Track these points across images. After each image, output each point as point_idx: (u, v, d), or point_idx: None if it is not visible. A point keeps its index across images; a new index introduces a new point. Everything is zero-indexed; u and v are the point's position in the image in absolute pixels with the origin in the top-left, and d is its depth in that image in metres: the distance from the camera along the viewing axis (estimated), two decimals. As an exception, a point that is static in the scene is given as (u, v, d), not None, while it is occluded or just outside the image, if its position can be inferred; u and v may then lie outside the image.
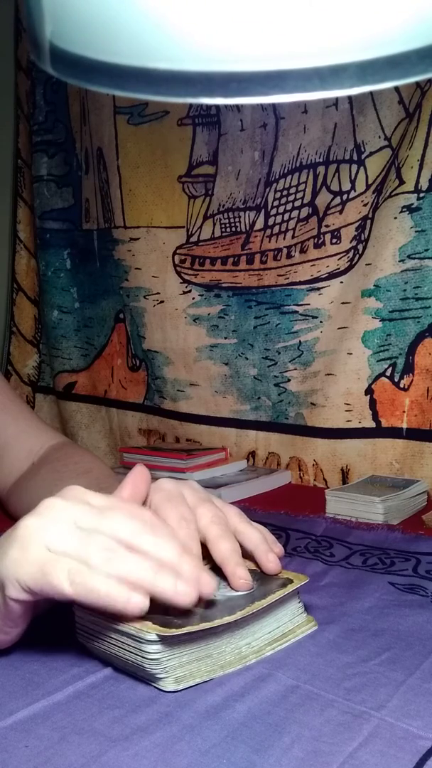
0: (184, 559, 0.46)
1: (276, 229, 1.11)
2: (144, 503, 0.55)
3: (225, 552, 0.53)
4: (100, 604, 0.44)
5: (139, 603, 0.44)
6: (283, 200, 1.10)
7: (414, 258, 0.97)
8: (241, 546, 0.56)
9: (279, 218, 1.10)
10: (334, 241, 1.05)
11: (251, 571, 0.55)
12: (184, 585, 0.45)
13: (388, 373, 1.02)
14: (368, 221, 1.02)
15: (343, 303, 1.05)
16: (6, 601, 0.46)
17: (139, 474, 0.55)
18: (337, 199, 1.04)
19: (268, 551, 0.55)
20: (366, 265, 1.02)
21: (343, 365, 1.04)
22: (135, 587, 0.44)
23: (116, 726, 0.43)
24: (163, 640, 0.46)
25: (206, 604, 0.50)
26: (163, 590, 0.44)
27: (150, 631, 0.46)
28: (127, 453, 1.13)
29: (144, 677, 0.47)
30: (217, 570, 0.55)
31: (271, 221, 1.11)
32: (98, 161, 1.28)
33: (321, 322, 1.07)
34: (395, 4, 0.32)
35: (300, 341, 1.10)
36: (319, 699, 0.45)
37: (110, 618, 0.47)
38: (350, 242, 1.04)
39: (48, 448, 0.86)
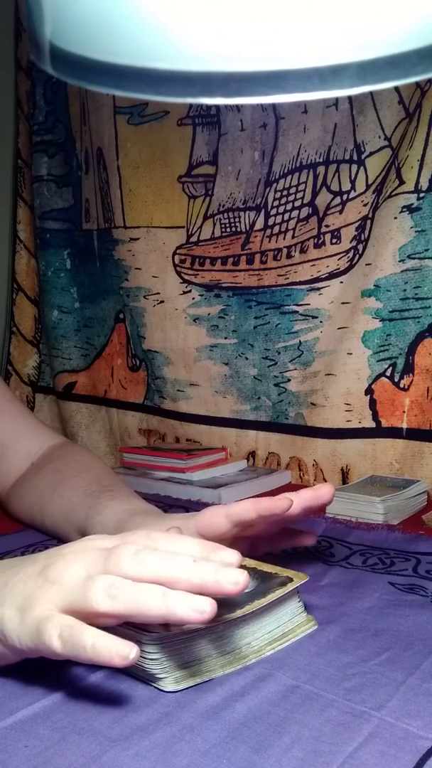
0: (199, 566, 0.44)
1: (276, 229, 1.11)
2: None
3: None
4: (87, 660, 0.42)
5: (123, 654, 0.41)
6: (283, 200, 1.10)
7: (414, 258, 0.97)
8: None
9: (279, 218, 1.10)
10: (334, 241, 1.05)
11: (251, 570, 0.55)
12: (196, 600, 0.42)
13: (388, 373, 1.02)
14: (368, 221, 1.02)
15: (343, 303, 1.05)
16: (3, 652, 0.46)
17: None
18: (337, 199, 1.04)
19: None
20: (366, 265, 1.02)
21: (343, 365, 1.04)
22: (139, 619, 0.43)
23: (116, 726, 0.43)
24: (163, 640, 0.46)
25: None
26: (172, 612, 0.42)
27: (150, 631, 0.46)
28: (127, 453, 1.13)
29: (144, 677, 0.47)
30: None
31: (271, 221, 1.11)
32: (98, 161, 1.28)
33: (321, 322, 1.07)
34: (395, 4, 0.32)
35: (300, 341, 1.10)
36: (319, 699, 0.45)
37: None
38: (350, 242, 1.04)
39: (47, 448, 0.86)
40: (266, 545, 0.66)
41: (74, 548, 0.47)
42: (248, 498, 0.62)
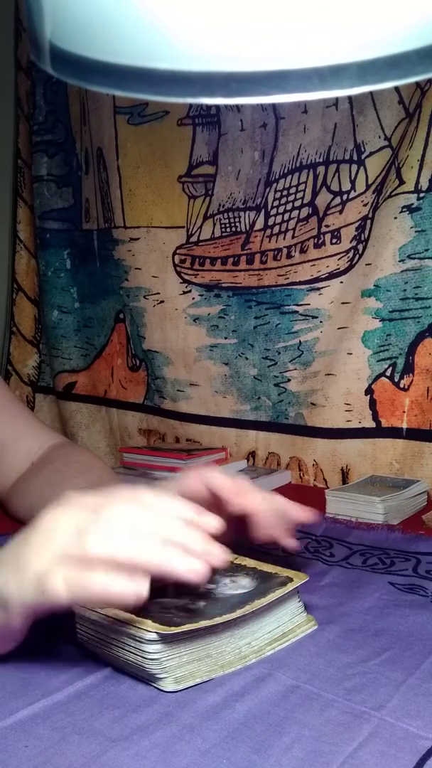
0: (190, 533, 0.46)
1: (276, 229, 1.11)
2: None
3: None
4: (99, 602, 0.43)
5: (134, 588, 0.43)
6: (283, 200, 1.10)
7: (414, 258, 0.97)
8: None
9: (279, 218, 1.10)
10: (334, 241, 1.05)
11: (251, 569, 0.56)
12: (194, 560, 0.44)
13: (388, 373, 1.02)
14: (368, 221, 1.02)
15: (343, 303, 1.05)
16: (4, 620, 0.46)
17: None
18: (337, 199, 1.04)
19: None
20: (366, 265, 1.02)
21: (343, 365, 1.04)
22: (138, 571, 0.43)
23: (116, 726, 0.43)
24: (163, 639, 0.46)
25: (207, 602, 0.50)
26: (172, 568, 0.44)
27: (150, 630, 0.46)
28: (127, 453, 1.13)
29: (144, 677, 0.47)
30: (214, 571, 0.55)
31: (271, 221, 1.11)
32: (98, 161, 1.28)
33: (321, 322, 1.07)
34: (395, 4, 0.32)
35: (300, 341, 1.10)
36: (319, 699, 0.45)
37: (110, 618, 0.47)
38: (350, 242, 1.04)
39: (47, 448, 0.86)
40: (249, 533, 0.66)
41: (58, 506, 0.48)
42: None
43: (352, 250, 1.04)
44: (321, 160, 1.05)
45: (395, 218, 0.97)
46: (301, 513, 0.61)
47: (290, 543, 0.62)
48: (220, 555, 0.46)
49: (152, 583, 0.44)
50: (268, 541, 0.64)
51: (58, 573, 0.44)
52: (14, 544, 0.48)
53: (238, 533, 0.61)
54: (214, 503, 0.60)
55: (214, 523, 0.48)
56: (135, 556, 0.44)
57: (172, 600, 0.50)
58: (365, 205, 1.02)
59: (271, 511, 0.59)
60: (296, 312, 1.09)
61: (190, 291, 1.20)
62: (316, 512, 0.62)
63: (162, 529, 0.45)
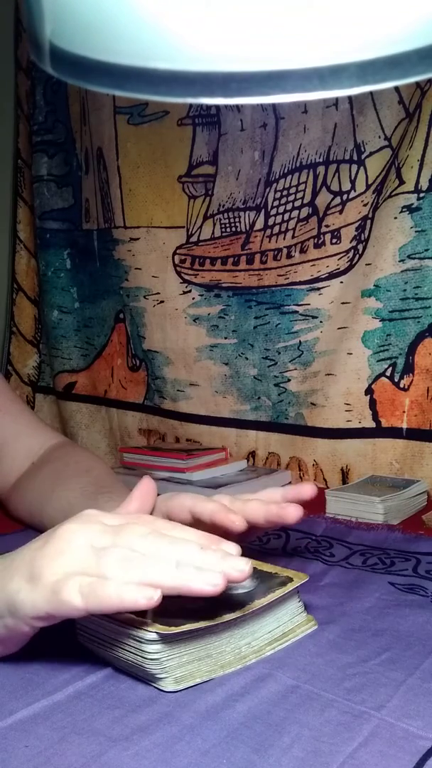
0: (207, 554, 0.45)
1: (276, 229, 1.11)
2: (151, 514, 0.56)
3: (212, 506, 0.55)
4: (113, 608, 0.43)
5: (149, 594, 0.43)
6: (283, 200, 1.10)
7: (414, 258, 0.97)
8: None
9: (279, 218, 1.10)
10: (334, 241, 1.05)
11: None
12: (210, 573, 0.44)
13: (388, 373, 1.02)
14: (368, 221, 1.02)
15: (343, 303, 1.05)
16: (14, 626, 0.46)
17: (146, 485, 0.55)
18: (337, 199, 1.04)
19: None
20: (366, 265, 1.02)
21: (343, 365, 1.04)
22: (154, 587, 0.43)
23: (116, 726, 0.43)
24: (164, 639, 0.46)
25: (206, 602, 0.50)
26: (186, 582, 0.43)
27: (150, 630, 0.46)
28: (127, 453, 1.13)
29: (144, 677, 0.47)
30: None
31: (271, 221, 1.11)
32: (98, 161, 1.28)
33: (321, 322, 1.07)
34: (395, 4, 0.32)
35: (300, 341, 1.10)
36: (319, 699, 0.45)
37: (110, 618, 0.47)
38: (350, 242, 1.04)
39: (48, 447, 0.86)
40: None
41: (76, 521, 0.48)
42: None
43: (352, 250, 1.04)
44: (321, 160, 1.05)
45: (395, 218, 0.97)
46: (294, 492, 0.60)
47: (291, 513, 0.59)
48: (242, 567, 0.45)
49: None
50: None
51: (73, 582, 0.44)
52: (28, 550, 0.47)
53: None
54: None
55: (233, 548, 0.47)
56: (149, 578, 0.44)
57: (172, 600, 0.50)
58: (365, 205, 1.02)
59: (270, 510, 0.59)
60: (296, 312, 1.09)
61: (190, 291, 1.20)
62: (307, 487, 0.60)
63: (178, 554, 0.45)
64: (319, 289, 1.07)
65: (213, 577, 0.43)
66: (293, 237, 1.09)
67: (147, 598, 0.42)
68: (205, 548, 0.46)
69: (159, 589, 0.43)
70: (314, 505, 0.90)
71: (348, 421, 1.05)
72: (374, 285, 1.00)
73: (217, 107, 1.13)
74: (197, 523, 0.59)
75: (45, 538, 0.48)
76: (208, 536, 0.49)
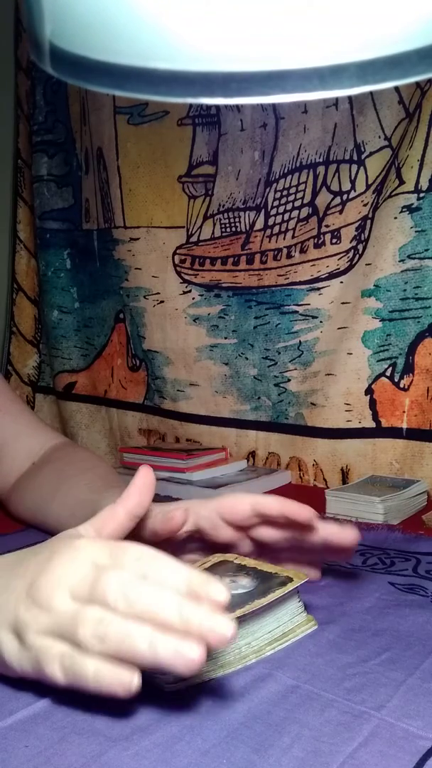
0: (191, 610, 0.42)
1: (276, 229, 1.11)
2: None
3: None
4: (93, 691, 0.42)
5: (126, 686, 0.41)
6: (283, 200, 1.10)
7: (414, 258, 0.97)
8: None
9: (279, 218, 1.10)
10: (334, 241, 1.05)
11: (251, 569, 0.55)
12: (188, 646, 0.40)
13: (388, 373, 1.02)
14: (368, 221, 1.02)
15: (343, 303, 1.05)
16: (4, 672, 0.46)
17: (143, 478, 0.54)
18: (337, 199, 1.04)
19: None
20: (366, 265, 1.02)
21: (343, 365, 1.04)
22: (129, 663, 0.41)
23: (116, 726, 0.43)
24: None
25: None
26: (163, 661, 0.41)
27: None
28: (127, 453, 1.13)
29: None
30: (215, 571, 0.55)
31: (271, 221, 1.11)
32: (98, 161, 1.28)
33: (321, 322, 1.07)
34: (395, 4, 0.32)
35: (300, 341, 1.10)
36: (319, 699, 0.45)
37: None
38: (350, 242, 1.04)
39: (48, 447, 0.86)
40: (270, 556, 0.63)
41: (61, 560, 0.46)
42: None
43: (352, 250, 1.04)
44: (321, 160, 1.05)
45: (395, 218, 0.97)
46: (349, 534, 0.61)
47: (348, 535, 0.60)
48: (221, 633, 0.41)
49: None
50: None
51: (55, 653, 0.42)
52: (14, 591, 0.46)
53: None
54: (247, 531, 0.61)
55: (222, 594, 0.43)
56: (124, 653, 0.41)
57: None
58: (365, 205, 1.02)
59: (320, 537, 0.60)
60: (296, 312, 1.09)
61: (190, 291, 1.20)
62: (355, 531, 0.61)
63: (159, 609, 0.42)
64: (319, 289, 1.07)
65: (188, 651, 0.40)
66: (293, 237, 1.09)
67: (125, 690, 0.41)
68: (191, 595, 0.43)
69: (135, 674, 0.41)
70: (314, 506, 0.90)
71: (348, 421, 1.05)
72: (374, 285, 1.00)
73: (217, 107, 1.13)
74: (260, 520, 0.60)
75: (30, 577, 0.46)
76: (195, 576, 0.44)
